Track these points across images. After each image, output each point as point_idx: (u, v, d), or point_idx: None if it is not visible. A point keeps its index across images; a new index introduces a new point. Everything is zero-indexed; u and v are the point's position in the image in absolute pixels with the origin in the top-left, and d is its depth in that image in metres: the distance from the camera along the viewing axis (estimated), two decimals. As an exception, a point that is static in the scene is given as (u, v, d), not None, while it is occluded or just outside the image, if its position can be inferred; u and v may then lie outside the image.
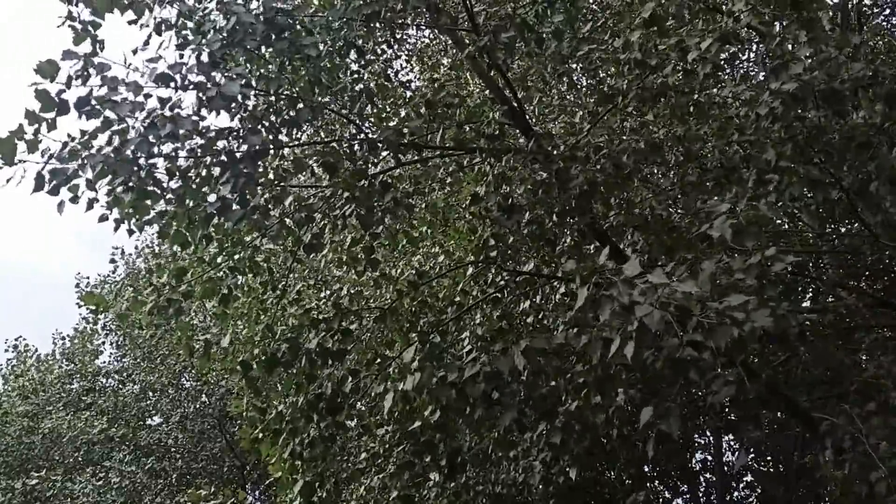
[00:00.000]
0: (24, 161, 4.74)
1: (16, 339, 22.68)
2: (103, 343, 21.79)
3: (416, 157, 7.17)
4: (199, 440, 19.27)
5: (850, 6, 7.82)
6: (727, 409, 9.68)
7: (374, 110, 7.10)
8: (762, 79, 5.96)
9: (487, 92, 7.30)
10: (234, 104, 5.59)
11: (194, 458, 19.13)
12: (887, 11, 11.47)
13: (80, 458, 19.33)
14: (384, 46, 7.11)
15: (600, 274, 3.97)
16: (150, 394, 19.91)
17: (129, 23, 5.36)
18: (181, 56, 5.44)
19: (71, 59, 4.97)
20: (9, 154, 4.64)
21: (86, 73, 4.97)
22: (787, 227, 7.93)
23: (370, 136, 6.55)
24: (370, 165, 6.61)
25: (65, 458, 19.46)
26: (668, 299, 3.64)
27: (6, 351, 22.97)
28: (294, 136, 6.26)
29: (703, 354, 3.70)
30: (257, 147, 5.56)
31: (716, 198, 5.33)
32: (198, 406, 19.16)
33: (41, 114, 4.84)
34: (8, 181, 4.67)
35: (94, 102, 4.93)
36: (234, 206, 5.54)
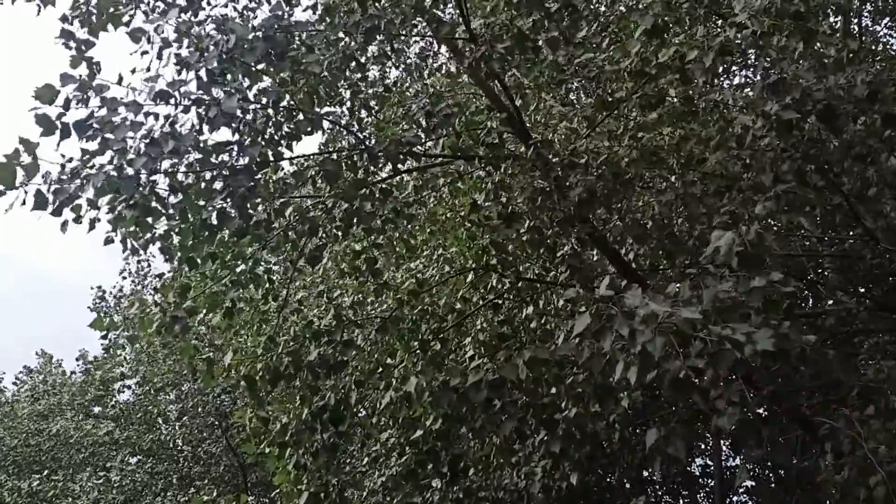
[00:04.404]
0: (25, 184, 4.73)
1: (40, 353, 23.94)
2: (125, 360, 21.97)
3: (415, 166, 7.16)
4: (200, 442, 19.29)
5: (850, 13, 7.80)
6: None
7: (374, 120, 7.08)
8: (758, 81, 5.92)
9: (486, 100, 7.29)
10: (234, 121, 5.58)
11: (197, 460, 19.15)
12: (887, 20, 11.42)
13: (86, 461, 19.47)
14: (383, 59, 7.09)
15: (601, 302, 3.99)
16: (156, 394, 19.99)
17: (130, 54, 5.37)
18: (179, 73, 5.43)
19: (69, 83, 4.96)
20: (9, 178, 4.63)
21: (85, 96, 4.96)
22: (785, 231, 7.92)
23: (370, 145, 6.54)
24: (370, 175, 6.61)
25: (72, 460, 19.62)
26: (669, 323, 3.66)
27: (37, 356, 24.19)
28: (293, 150, 6.24)
29: (706, 375, 3.73)
30: (257, 159, 5.56)
31: (716, 218, 5.32)
32: (194, 404, 19.18)
33: (41, 137, 4.83)
34: (11, 206, 4.66)
35: (94, 125, 4.91)
36: (234, 217, 5.53)
